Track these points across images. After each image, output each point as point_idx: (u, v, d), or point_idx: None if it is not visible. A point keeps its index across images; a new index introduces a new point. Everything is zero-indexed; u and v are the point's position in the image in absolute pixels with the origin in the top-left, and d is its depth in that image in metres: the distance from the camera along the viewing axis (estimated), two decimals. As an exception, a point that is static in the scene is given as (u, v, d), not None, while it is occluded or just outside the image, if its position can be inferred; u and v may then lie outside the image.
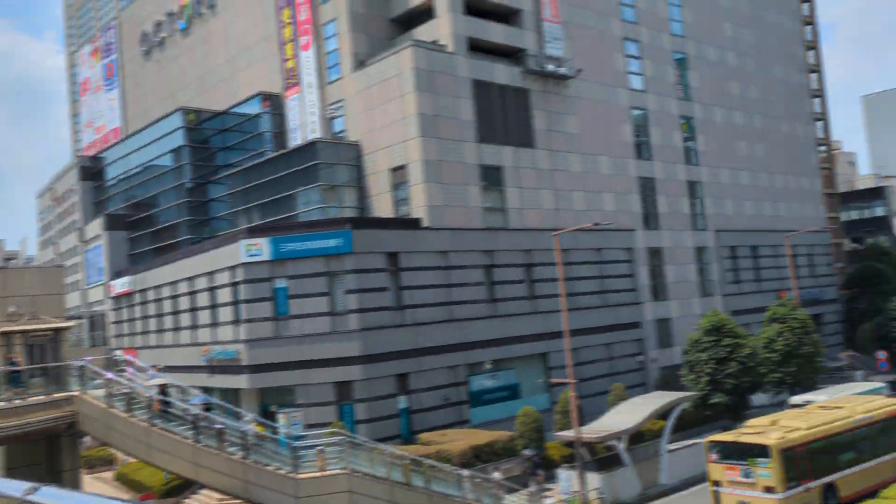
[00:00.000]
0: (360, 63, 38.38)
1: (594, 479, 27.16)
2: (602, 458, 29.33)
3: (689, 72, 50.00)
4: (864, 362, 54.31)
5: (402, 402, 32.91)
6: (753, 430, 25.18)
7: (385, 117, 36.58)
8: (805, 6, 66.97)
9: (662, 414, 30.12)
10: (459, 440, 29.59)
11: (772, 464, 23.38)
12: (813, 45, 67.37)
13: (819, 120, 65.77)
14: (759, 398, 38.35)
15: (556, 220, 39.68)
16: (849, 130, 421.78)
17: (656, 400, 30.67)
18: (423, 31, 37.78)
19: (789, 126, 58.77)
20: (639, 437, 30.78)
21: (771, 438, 23.94)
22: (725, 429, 35.75)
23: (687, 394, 31.14)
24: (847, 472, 25.17)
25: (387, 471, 22.86)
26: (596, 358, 40.53)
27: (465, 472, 24.47)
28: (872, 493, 23.88)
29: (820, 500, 24.14)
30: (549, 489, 28.75)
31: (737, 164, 52.68)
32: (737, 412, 34.11)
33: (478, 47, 38.27)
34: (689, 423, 37.49)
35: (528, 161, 39.27)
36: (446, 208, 35.59)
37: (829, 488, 24.53)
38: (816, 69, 67.11)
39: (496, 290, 37.02)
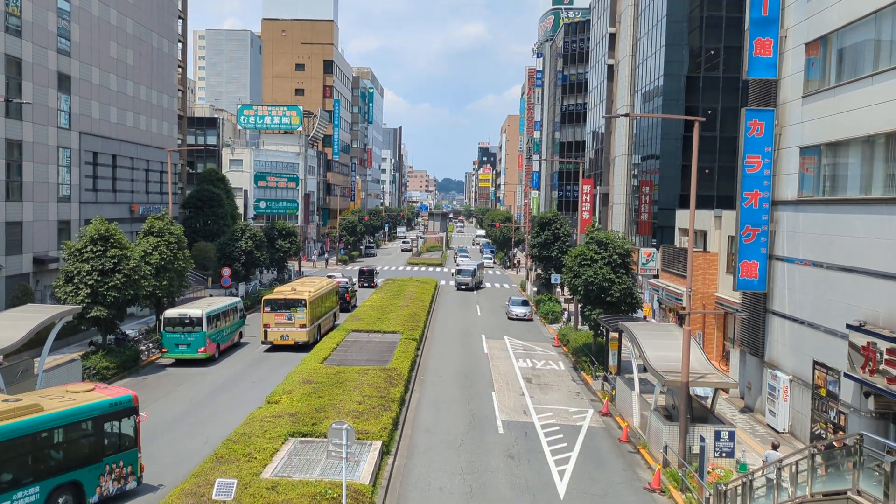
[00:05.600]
0: None
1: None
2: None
3: (69, -51, 44.40)
4: (203, 278, 58.11)
5: None
6: (290, 292, 39.29)
7: None
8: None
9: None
10: None
11: (305, 310, 37.92)
12: (182, -35, 67.37)
13: (181, 42, 66.52)
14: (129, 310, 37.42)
15: None
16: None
17: (35, 314, 26.86)
18: None
19: (158, 40, 57.92)
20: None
21: (305, 294, 38.59)
22: (94, 344, 33.88)
23: (68, 307, 28.21)
24: (323, 318, 41.73)
25: None
26: (-69, 262, 33.22)
27: None
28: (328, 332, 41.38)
29: (318, 333, 40.40)
30: None
31: (108, 66, 49.43)
32: (112, 325, 32.57)
33: None
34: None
35: None
36: None
37: (318, 328, 40.69)
38: (183, -10, 67.42)
39: None
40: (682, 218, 43.93)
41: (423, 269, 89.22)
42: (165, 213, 40.00)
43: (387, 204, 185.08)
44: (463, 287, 67.78)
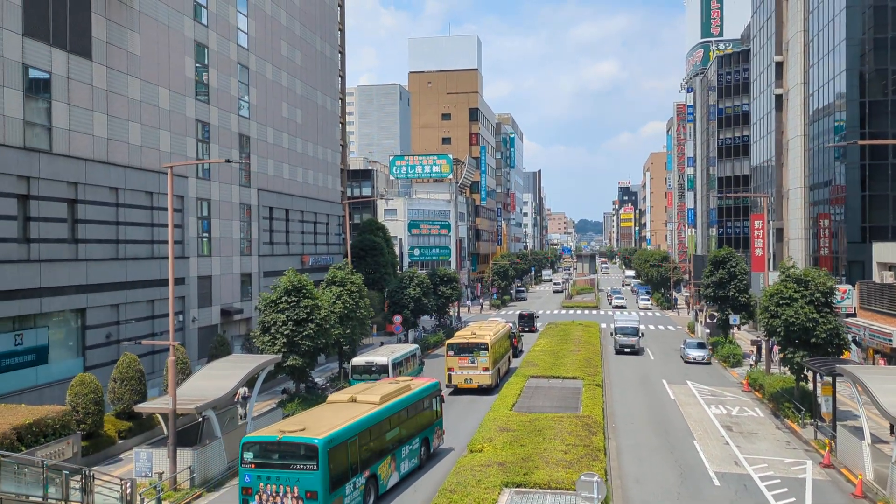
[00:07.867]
0: None
1: (186, 455, 23.39)
2: (182, 430, 25.58)
3: (248, 18, 47.49)
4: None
5: None
6: (471, 336, 39.94)
7: None
8: (335, -12, 69.74)
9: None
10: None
11: (488, 353, 38.53)
12: (341, 28, 70.75)
13: (341, 99, 69.45)
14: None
15: (107, 151, 33.53)
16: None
17: (240, 364, 28.03)
18: None
19: (322, 98, 60.70)
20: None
21: (486, 338, 39.34)
22: (287, 392, 34.88)
23: (270, 357, 29.20)
24: (501, 361, 41.87)
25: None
26: (138, 316, 35.53)
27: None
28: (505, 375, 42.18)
29: (498, 376, 40.61)
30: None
31: (280, 125, 52.15)
32: (304, 373, 33.45)
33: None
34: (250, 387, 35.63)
35: (82, 74, 32.16)
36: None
37: (498, 371, 40.84)
38: (342, 51, 70.68)
39: (31, 227, 29.44)
40: (881, 251, 40.46)
41: (578, 311, 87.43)
42: (345, 263, 41.11)
43: (529, 247, 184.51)
44: (627, 350, 53.20)
